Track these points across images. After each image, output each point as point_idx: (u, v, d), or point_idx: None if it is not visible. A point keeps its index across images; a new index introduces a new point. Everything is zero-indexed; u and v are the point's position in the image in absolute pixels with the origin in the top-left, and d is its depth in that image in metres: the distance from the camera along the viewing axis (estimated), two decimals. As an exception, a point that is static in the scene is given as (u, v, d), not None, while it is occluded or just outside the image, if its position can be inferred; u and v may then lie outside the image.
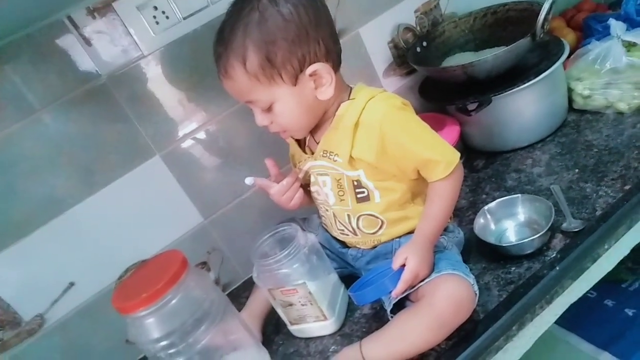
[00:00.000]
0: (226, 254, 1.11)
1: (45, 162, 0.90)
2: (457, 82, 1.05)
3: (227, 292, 1.11)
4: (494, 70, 0.98)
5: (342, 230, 0.85)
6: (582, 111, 1.08)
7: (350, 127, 0.74)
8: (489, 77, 0.99)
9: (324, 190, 0.82)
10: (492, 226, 0.87)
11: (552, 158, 0.98)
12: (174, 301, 0.67)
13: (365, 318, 0.84)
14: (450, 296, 0.66)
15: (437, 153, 0.72)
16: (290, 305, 0.83)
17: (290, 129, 0.77)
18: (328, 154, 0.78)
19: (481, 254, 0.84)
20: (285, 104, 0.72)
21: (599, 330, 1.10)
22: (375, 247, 0.83)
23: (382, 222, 0.80)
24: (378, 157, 0.73)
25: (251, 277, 0.86)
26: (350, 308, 0.88)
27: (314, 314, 0.83)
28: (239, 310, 0.88)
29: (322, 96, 0.73)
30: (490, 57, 0.96)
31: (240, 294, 1.07)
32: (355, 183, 0.77)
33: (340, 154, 0.76)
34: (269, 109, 0.73)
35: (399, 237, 0.81)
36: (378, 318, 0.82)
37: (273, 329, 0.92)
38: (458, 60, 1.14)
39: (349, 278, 0.89)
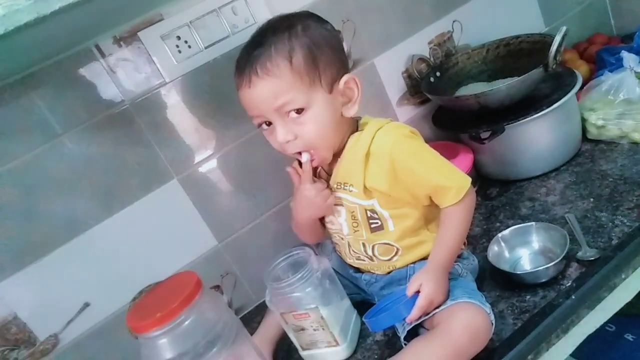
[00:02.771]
0: (239, 278, 1.11)
1: (66, 184, 0.93)
2: (470, 111, 1.06)
3: (239, 316, 1.11)
4: (507, 99, 1.00)
5: (358, 256, 0.85)
6: (596, 141, 1.08)
7: (361, 157, 0.75)
8: (501, 107, 1.01)
9: (339, 221, 0.83)
10: (507, 254, 0.86)
11: (566, 187, 0.98)
12: (187, 322, 0.68)
13: (378, 345, 0.84)
14: (467, 325, 0.66)
15: (448, 179, 0.73)
16: (302, 329, 0.83)
17: (315, 145, 0.75)
18: (342, 186, 0.79)
19: (495, 281, 0.83)
20: (318, 111, 0.72)
21: (619, 365, 1.07)
22: (390, 272, 0.83)
23: (398, 249, 0.80)
24: (390, 186, 0.74)
25: (264, 302, 0.86)
26: (363, 334, 0.87)
27: (326, 339, 0.83)
28: (251, 334, 0.88)
29: (348, 112, 0.76)
30: (504, 86, 0.97)
31: (252, 319, 1.07)
32: (369, 213, 0.78)
33: (354, 184, 0.77)
34: (297, 119, 0.72)
35: (414, 262, 0.81)
36: (390, 345, 0.81)
37: (284, 355, 0.91)
38: (471, 90, 1.15)
39: (361, 304, 0.89)
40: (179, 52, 0.98)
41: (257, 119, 0.76)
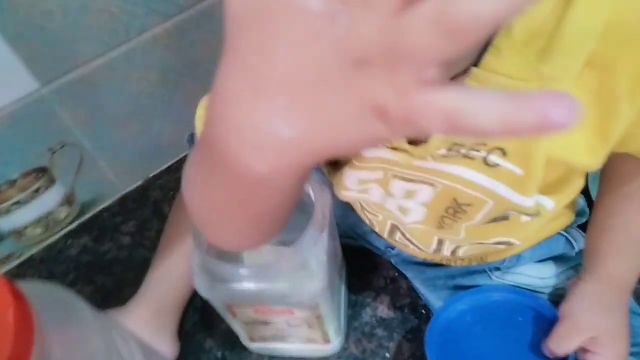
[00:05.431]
0: (88, 151, 0.58)
1: None
2: None
3: (89, 217, 0.61)
4: None
5: (406, 244, 0.40)
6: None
7: (573, 69, 0.25)
8: None
9: (403, 203, 0.34)
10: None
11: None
12: None
13: (379, 324, 0.47)
14: None
15: None
16: (266, 324, 0.42)
17: None
18: (465, 150, 0.29)
19: None
20: None
21: None
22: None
23: (510, 244, 0.37)
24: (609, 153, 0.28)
25: (136, 191, 0.42)
26: (351, 303, 0.50)
27: (308, 336, 0.43)
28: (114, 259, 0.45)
29: None
30: None
31: (113, 222, 0.62)
32: (512, 213, 0.32)
33: (509, 150, 0.28)
34: None
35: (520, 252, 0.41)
36: (403, 323, 0.47)
37: (202, 319, 0.50)
38: None
39: (351, 250, 0.49)
40: None
41: None
